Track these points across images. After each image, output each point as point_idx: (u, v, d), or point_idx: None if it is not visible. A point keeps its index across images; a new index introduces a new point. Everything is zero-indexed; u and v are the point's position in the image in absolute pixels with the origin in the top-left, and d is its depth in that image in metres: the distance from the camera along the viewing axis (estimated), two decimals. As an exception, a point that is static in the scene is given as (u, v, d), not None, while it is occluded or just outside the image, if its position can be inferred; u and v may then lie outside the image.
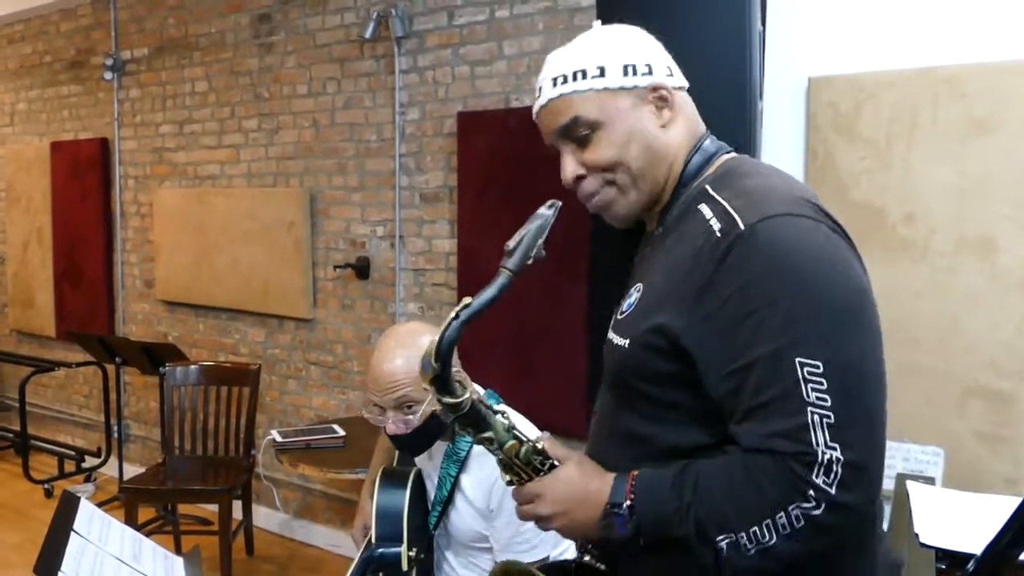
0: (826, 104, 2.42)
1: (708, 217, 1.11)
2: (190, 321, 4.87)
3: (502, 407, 1.28)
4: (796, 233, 1.05)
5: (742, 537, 1.02)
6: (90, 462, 5.22)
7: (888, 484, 2.10)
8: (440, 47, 3.70)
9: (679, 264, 1.13)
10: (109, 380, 4.93)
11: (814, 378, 1.00)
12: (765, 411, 1.02)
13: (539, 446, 1.23)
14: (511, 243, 1.16)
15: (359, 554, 1.95)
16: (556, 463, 1.22)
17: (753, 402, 1.03)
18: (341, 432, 3.46)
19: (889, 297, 2.34)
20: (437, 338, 1.12)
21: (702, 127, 1.27)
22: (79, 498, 1.57)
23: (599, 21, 1.29)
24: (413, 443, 1.87)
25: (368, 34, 3.76)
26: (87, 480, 5.10)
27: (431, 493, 1.94)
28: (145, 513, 3.97)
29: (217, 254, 4.58)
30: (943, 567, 1.20)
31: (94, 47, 5.22)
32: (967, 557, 1.15)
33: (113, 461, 4.88)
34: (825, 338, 1.01)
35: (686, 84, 1.27)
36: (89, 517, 1.54)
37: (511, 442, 1.22)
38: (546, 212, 1.18)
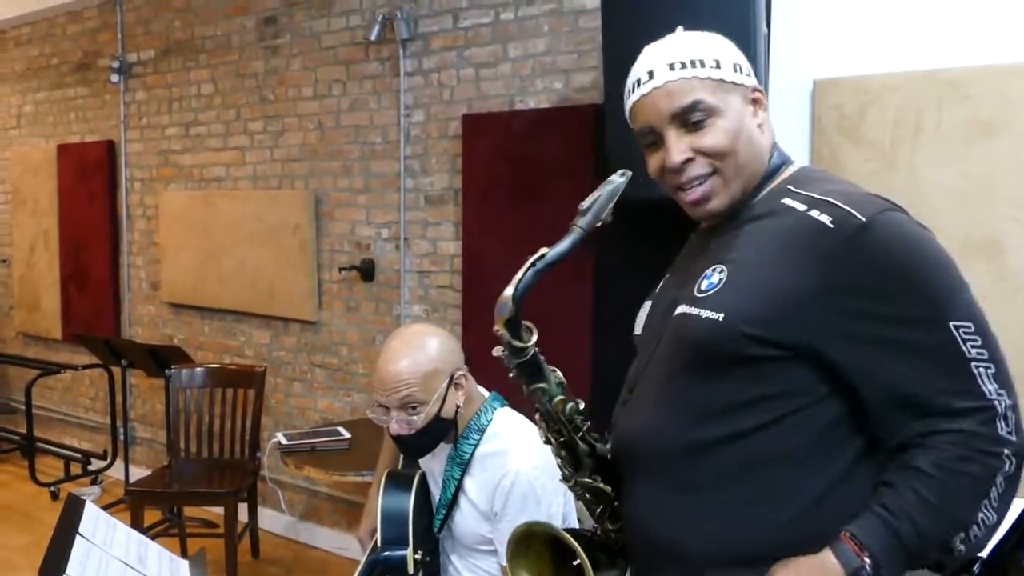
0: (831, 107, 2.41)
1: (802, 209, 1.18)
2: (195, 323, 4.88)
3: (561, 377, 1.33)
4: (910, 223, 1.16)
5: (972, 528, 1.09)
6: (96, 465, 5.23)
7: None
8: (445, 49, 3.70)
9: (777, 248, 1.18)
10: (115, 382, 4.94)
11: (971, 336, 1.09)
12: (939, 385, 1.10)
13: (581, 407, 1.31)
14: (585, 204, 1.25)
15: (365, 557, 1.95)
16: (595, 435, 1.31)
17: (923, 384, 1.10)
18: (346, 434, 3.46)
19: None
20: (515, 282, 1.21)
21: (772, 134, 1.33)
22: (84, 501, 1.58)
23: (681, 27, 1.31)
24: (415, 445, 1.87)
25: (373, 37, 3.77)
26: (93, 483, 5.12)
27: (435, 496, 1.95)
28: (151, 516, 3.97)
29: (223, 256, 4.59)
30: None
31: (100, 50, 5.24)
32: (972, 559, 1.15)
33: (119, 464, 4.89)
34: (962, 299, 1.12)
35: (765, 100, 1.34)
36: (94, 520, 1.55)
37: (559, 397, 1.29)
38: (618, 179, 1.25)
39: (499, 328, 1.23)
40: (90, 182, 5.31)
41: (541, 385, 1.30)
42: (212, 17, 4.62)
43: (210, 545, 3.09)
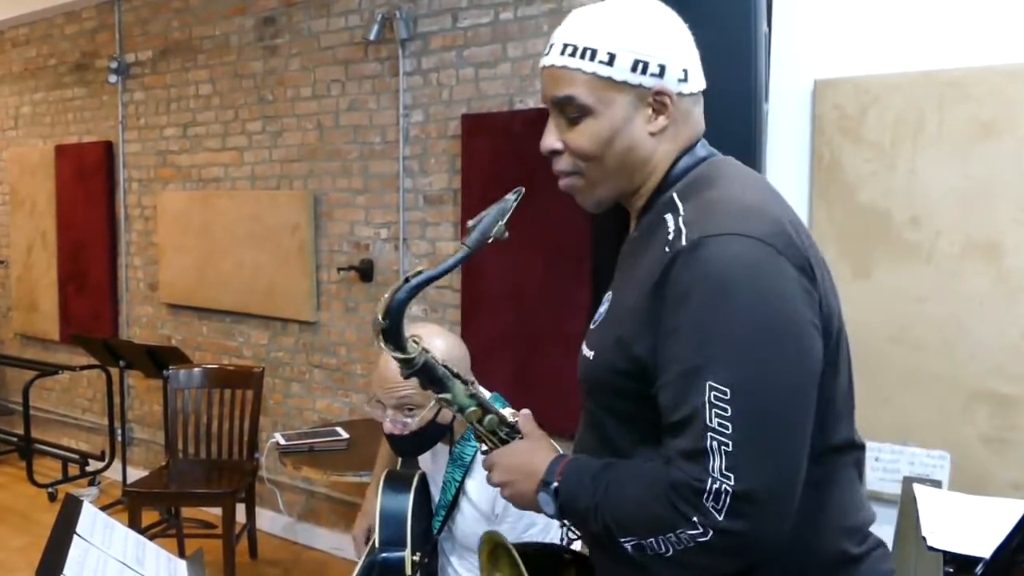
0: (832, 107, 2.41)
1: (669, 228, 1.11)
2: (194, 324, 4.87)
3: (479, 389, 1.30)
4: (733, 255, 1.03)
5: (643, 542, 1.05)
6: (94, 465, 5.22)
7: (895, 488, 2.09)
8: (444, 49, 3.69)
9: (640, 275, 1.12)
10: (113, 383, 4.93)
11: (720, 403, 0.99)
12: (676, 429, 1.03)
13: (509, 420, 1.28)
14: (472, 222, 1.21)
15: (362, 558, 1.94)
16: (520, 437, 1.27)
17: (670, 419, 1.04)
18: (344, 435, 3.45)
19: (894, 301, 2.33)
20: (388, 296, 1.19)
21: (696, 133, 1.23)
22: (82, 501, 1.57)
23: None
24: (407, 446, 1.87)
25: (372, 36, 3.77)
26: (91, 484, 5.10)
27: (435, 497, 1.94)
28: (149, 516, 3.96)
29: (221, 257, 4.58)
30: (950, 570, 1.19)
31: (98, 50, 5.23)
32: (975, 560, 1.14)
33: (117, 464, 4.88)
34: (736, 363, 1.00)
35: (701, 87, 1.22)
36: (92, 520, 1.54)
37: (472, 408, 1.27)
38: (509, 197, 1.22)
39: (379, 341, 1.21)
40: (88, 183, 5.30)
41: (445, 396, 1.27)
42: (210, 17, 4.61)
43: (208, 546, 3.08)
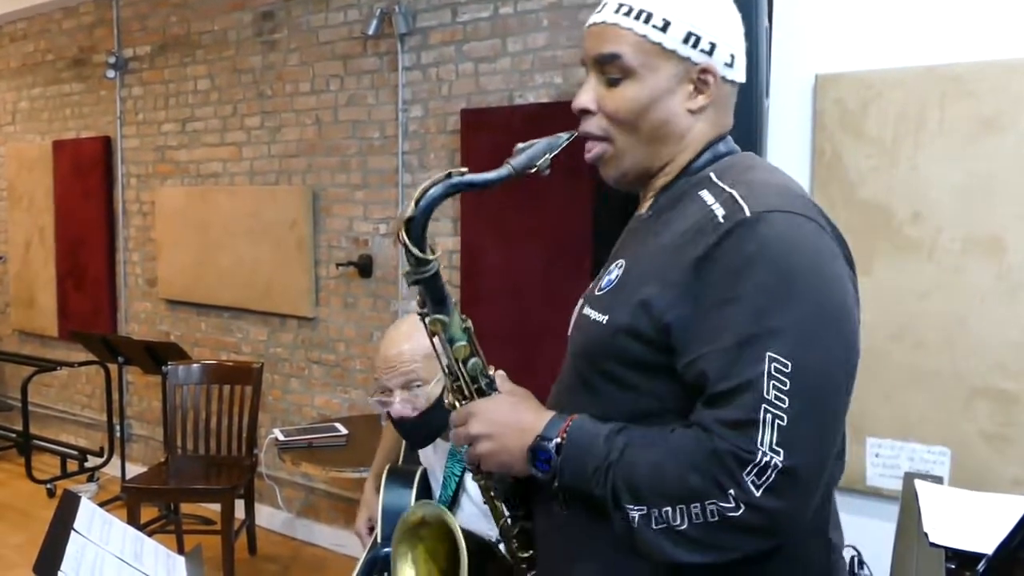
0: (833, 102, 2.40)
1: (710, 203, 1.08)
2: (192, 320, 4.86)
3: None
4: (798, 231, 1.02)
5: (654, 512, 1.00)
6: (93, 462, 5.21)
7: (895, 484, 2.09)
8: (444, 44, 3.68)
9: (670, 243, 1.09)
10: (111, 379, 4.93)
11: (779, 375, 0.97)
12: (722, 399, 0.99)
13: (489, 371, 1.23)
14: (521, 145, 1.18)
15: (364, 553, 1.93)
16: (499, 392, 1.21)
17: (716, 388, 0.99)
18: (343, 431, 3.45)
19: (895, 297, 2.33)
20: (424, 187, 1.14)
21: (729, 125, 1.20)
22: (79, 497, 1.56)
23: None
24: (417, 431, 1.86)
25: (371, 31, 3.75)
26: (90, 480, 5.10)
27: (436, 492, 1.93)
28: (148, 512, 3.96)
29: (219, 253, 4.57)
30: (952, 567, 1.19)
31: (96, 45, 5.22)
32: (977, 557, 1.14)
33: (116, 461, 4.88)
34: (801, 338, 0.98)
35: (742, 79, 1.19)
36: (90, 516, 1.53)
37: (462, 343, 1.20)
38: (563, 135, 1.19)
39: (399, 231, 1.15)
40: (86, 178, 5.28)
41: (442, 317, 1.19)
42: (209, 12, 4.60)
43: (207, 542, 3.07)
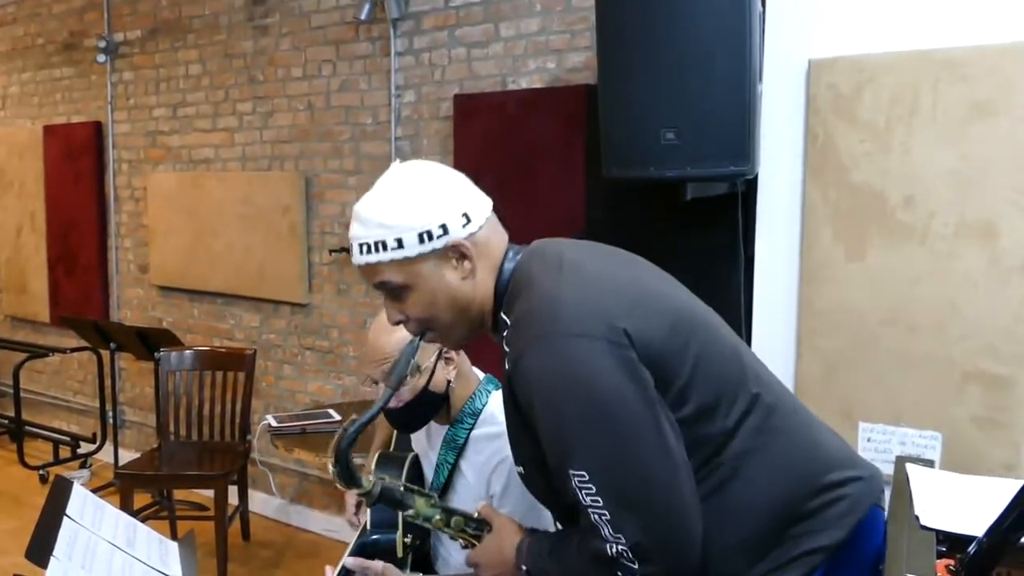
0: (826, 86, 2.39)
1: (507, 351, 1.29)
2: (184, 306, 4.85)
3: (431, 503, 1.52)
4: (542, 361, 1.21)
5: None
6: (85, 448, 5.20)
7: (887, 468, 2.09)
8: (436, 29, 3.66)
9: (506, 398, 1.34)
10: (104, 366, 4.91)
11: (584, 485, 1.19)
12: (575, 508, 1.22)
13: (475, 515, 1.51)
14: (388, 367, 1.58)
15: (354, 539, 1.94)
16: (488, 529, 1.48)
17: (567, 501, 1.24)
18: (337, 417, 3.45)
19: (888, 282, 2.33)
20: (333, 446, 1.39)
21: (503, 245, 1.38)
22: (72, 482, 1.56)
23: (397, 161, 1.41)
24: (405, 418, 1.87)
25: (363, 16, 3.73)
26: (82, 466, 5.10)
27: (429, 479, 1.93)
28: (141, 499, 3.96)
29: (212, 238, 4.55)
30: (943, 549, 1.19)
31: (87, 29, 5.17)
32: (968, 539, 1.14)
33: (108, 447, 4.87)
34: (581, 450, 1.18)
35: (487, 213, 1.36)
36: (82, 502, 1.53)
37: (437, 516, 1.50)
38: (415, 339, 1.40)
39: (336, 482, 1.42)
40: (77, 163, 5.25)
41: (409, 513, 1.49)
42: (200, -4, 4.56)
43: (200, 528, 3.07)
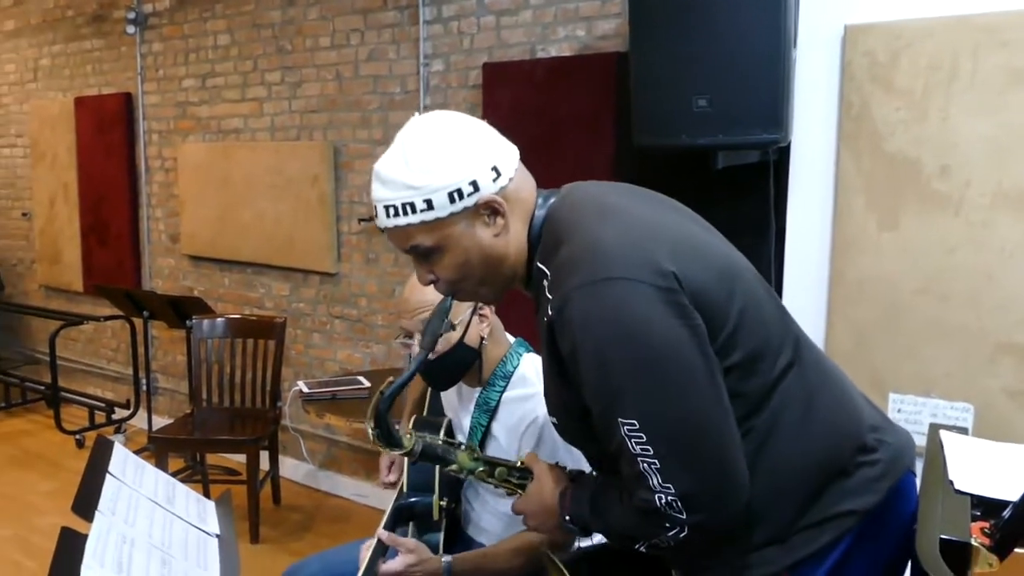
0: (862, 53, 2.35)
1: (548, 298, 1.24)
2: (215, 275, 4.90)
3: (471, 452, 1.52)
4: (589, 307, 1.16)
5: (650, 543, 1.25)
6: (120, 414, 5.30)
7: (918, 440, 2.09)
8: (465, -3, 3.64)
9: (545, 349, 1.29)
10: (137, 334, 4.99)
11: (634, 434, 1.15)
12: (620, 460, 1.20)
13: (519, 464, 1.50)
14: (424, 318, 1.51)
15: (391, 504, 1.97)
16: (531, 477, 1.46)
17: (608, 449, 1.21)
18: (366, 384, 3.49)
19: (921, 252, 2.31)
20: (371, 409, 1.39)
21: (533, 194, 1.33)
22: (112, 442, 1.59)
23: (416, 113, 1.35)
24: (438, 373, 1.88)
25: (392, -16, 3.71)
26: (117, 431, 5.19)
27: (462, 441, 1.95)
28: (174, 464, 4.03)
29: (242, 208, 4.59)
30: (977, 514, 1.19)
31: (116, 0, 5.19)
32: (1002, 504, 1.14)
33: (142, 413, 4.96)
34: (632, 399, 1.15)
35: (514, 163, 1.30)
36: (123, 461, 1.56)
37: (481, 468, 1.49)
38: (447, 299, 1.37)
39: (377, 444, 1.42)
40: (108, 135, 5.30)
41: (452, 467, 1.49)
42: (228, -35, 4.56)
43: (232, 492, 3.12)
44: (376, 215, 1.30)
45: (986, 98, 2.20)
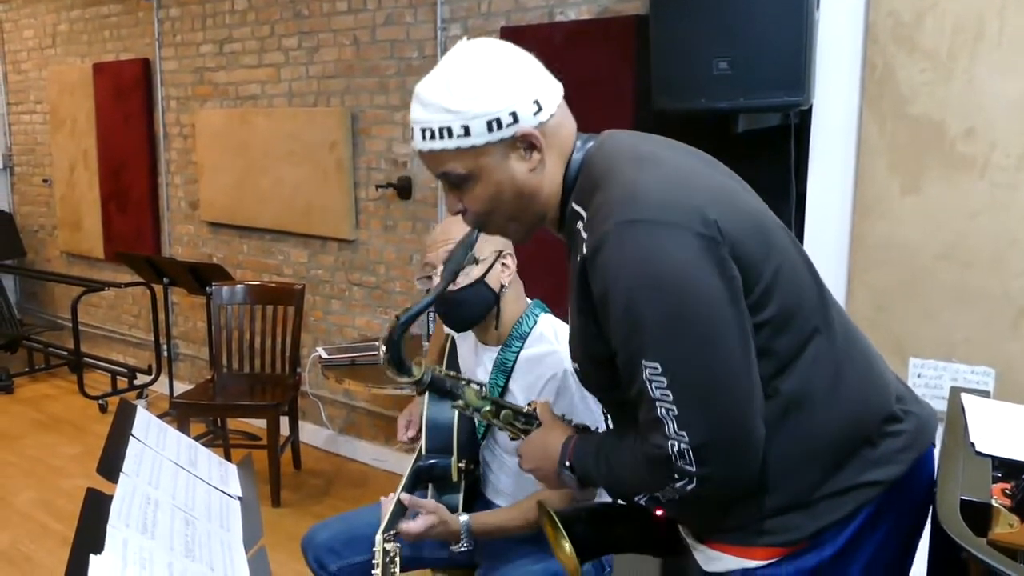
0: (886, 14, 2.31)
1: (584, 237, 1.22)
2: (234, 242, 4.93)
3: (482, 393, 1.52)
4: (626, 249, 1.14)
5: (651, 497, 1.25)
6: (141, 379, 5.37)
7: (939, 405, 2.08)
8: (482, -40, 3.60)
9: (573, 292, 1.27)
10: (157, 300, 5.03)
11: (656, 377, 1.14)
12: (638, 403, 1.19)
13: (526, 409, 1.50)
14: (445, 259, 1.44)
15: (410, 465, 1.99)
16: (538, 424, 1.47)
17: (630, 393, 1.20)
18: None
19: (944, 216, 2.28)
20: (385, 334, 1.38)
21: (573, 134, 1.31)
22: (136, 406, 1.62)
23: (465, 38, 1.30)
24: (455, 307, 1.89)
25: (408, -53, 3.67)
26: (139, 396, 5.26)
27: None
28: (195, 428, 4.08)
29: (260, 175, 4.59)
30: (999, 475, 1.19)
31: (133, -35, 5.18)
32: (1023, 466, 1.14)
33: (163, 379, 5.02)
34: (659, 343, 1.14)
35: (557, 100, 1.28)
36: (146, 424, 1.59)
37: (487, 408, 1.48)
38: (468, 237, 1.35)
39: (388, 370, 1.41)
40: (127, 101, 5.31)
41: (459, 403, 1.49)
42: (244, -71, 4.52)
43: (253, 456, 3.16)
44: (412, 136, 1.28)
45: (1013, 59, 2.16)
